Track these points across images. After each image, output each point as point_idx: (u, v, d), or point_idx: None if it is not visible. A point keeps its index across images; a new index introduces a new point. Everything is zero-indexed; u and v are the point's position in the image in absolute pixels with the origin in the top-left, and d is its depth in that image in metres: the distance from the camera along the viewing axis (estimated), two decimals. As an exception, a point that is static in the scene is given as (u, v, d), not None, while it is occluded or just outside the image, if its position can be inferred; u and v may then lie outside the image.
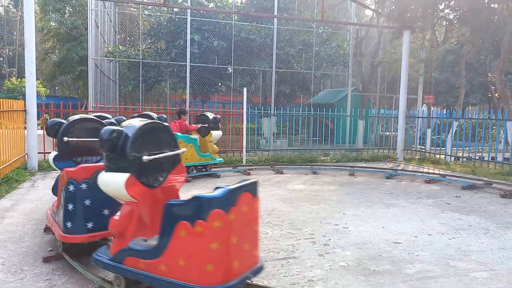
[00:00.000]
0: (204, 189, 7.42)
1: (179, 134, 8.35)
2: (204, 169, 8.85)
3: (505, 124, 10.25)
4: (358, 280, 3.54)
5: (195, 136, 8.74)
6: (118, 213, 2.93)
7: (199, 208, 2.56)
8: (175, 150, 3.21)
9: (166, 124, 3.27)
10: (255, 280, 3.41)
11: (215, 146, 9.18)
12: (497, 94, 12.91)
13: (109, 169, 2.93)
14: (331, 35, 16.81)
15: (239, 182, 2.82)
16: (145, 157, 2.86)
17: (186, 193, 6.78)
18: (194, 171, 8.53)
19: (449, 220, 5.62)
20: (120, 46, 16.29)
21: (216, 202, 2.55)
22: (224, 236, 2.55)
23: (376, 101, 19.88)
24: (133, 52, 15.59)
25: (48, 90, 31.84)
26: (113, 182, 2.85)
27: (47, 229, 4.60)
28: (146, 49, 16.44)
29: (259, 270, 2.94)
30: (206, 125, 8.90)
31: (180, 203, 2.70)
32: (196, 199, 2.58)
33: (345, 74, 17.53)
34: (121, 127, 2.95)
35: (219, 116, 9.20)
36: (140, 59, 14.58)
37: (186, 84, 13.54)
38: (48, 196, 6.44)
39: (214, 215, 2.51)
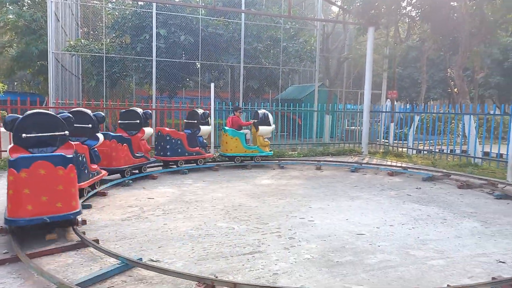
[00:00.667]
0: (171, 186, 7.32)
1: (226, 128, 9.78)
2: (234, 161, 9.76)
3: (463, 118, 10.72)
4: (322, 271, 3.61)
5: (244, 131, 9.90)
6: None
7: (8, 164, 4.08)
8: (57, 133, 4.56)
9: (52, 113, 4.66)
10: (220, 275, 3.41)
11: (265, 140, 10.00)
12: (456, 89, 13.45)
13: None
14: (298, 30, 16.93)
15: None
16: (23, 135, 4.33)
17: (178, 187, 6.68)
18: (183, 163, 8.96)
19: (409, 211, 5.82)
20: (82, 40, 15.72)
21: (10, 163, 4.03)
22: (16, 186, 4.00)
23: (342, 96, 20.26)
24: (96, 46, 15.09)
25: (6, 86, 30.31)
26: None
27: (2, 231, 4.39)
28: (110, 43, 15.95)
29: (58, 217, 4.16)
30: (255, 120, 9.96)
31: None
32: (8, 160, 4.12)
33: (313, 70, 17.73)
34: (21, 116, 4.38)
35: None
36: (103, 53, 14.13)
37: (152, 79, 13.26)
38: (5, 196, 6.16)
39: (10, 171, 4.01)
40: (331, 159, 11.18)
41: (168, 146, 8.70)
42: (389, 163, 10.63)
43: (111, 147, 7.13)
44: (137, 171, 7.96)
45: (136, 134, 8.01)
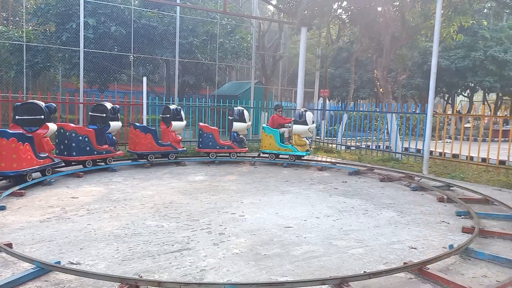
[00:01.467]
0: (98, 184, 6.98)
1: (264, 125, 10.47)
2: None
3: (386, 116, 11.50)
4: (249, 265, 3.68)
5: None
6: None
7: None
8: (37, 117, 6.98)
9: (38, 103, 6.94)
10: (146, 275, 3.33)
11: (302, 139, 10.15)
12: (381, 89, 14.38)
13: None
14: (235, 27, 16.98)
15: None
16: (17, 117, 6.72)
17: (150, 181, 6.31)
18: (153, 158, 9.26)
19: (335, 203, 6.13)
20: (0, 26, 14.36)
21: None
22: None
23: (278, 94, 20.72)
24: (16, 34, 13.87)
25: None
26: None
27: None
28: (32, 31, 14.75)
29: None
30: (293, 119, 10.33)
31: None
32: None
33: (249, 67, 17.90)
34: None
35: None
36: (23, 41, 13.03)
37: (80, 71, 12.49)
38: None
39: None
40: (265, 155, 11.37)
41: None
42: (319, 158, 11.10)
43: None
44: (40, 175, 6.93)
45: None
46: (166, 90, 17.26)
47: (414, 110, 11.04)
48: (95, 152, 8.18)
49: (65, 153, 7.88)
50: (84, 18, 12.31)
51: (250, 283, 3.13)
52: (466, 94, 29.02)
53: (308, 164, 9.91)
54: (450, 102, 26.46)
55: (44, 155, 6.92)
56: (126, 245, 4.05)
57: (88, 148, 8.02)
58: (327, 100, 17.20)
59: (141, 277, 3.19)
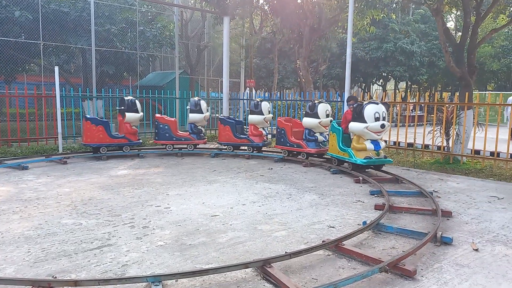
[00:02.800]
0: (5, 183, 6.36)
1: (334, 122, 8.29)
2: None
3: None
4: (174, 256, 3.64)
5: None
6: None
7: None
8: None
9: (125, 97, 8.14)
10: (61, 275, 3.14)
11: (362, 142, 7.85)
12: (303, 78, 14.94)
13: None
14: (156, 15, 16.40)
15: None
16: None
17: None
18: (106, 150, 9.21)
19: (261, 190, 6.29)
20: None
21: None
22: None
23: (204, 84, 20.53)
24: None
25: None
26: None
27: None
28: None
29: None
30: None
31: None
32: None
33: (173, 56, 17.44)
34: None
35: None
36: None
37: (-21, 60, 11.18)
38: None
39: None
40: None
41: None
42: (247, 148, 11.24)
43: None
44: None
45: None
46: (83, 81, 16.16)
47: (333, 99, 11.66)
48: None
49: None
50: (-19, 0, 11.00)
51: (174, 273, 3.10)
52: (380, 83, 31.37)
53: (235, 153, 10.00)
54: (367, 91, 28.37)
55: (119, 136, 9.32)
56: (38, 246, 3.77)
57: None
58: (253, 90, 17.44)
59: (55, 277, 3.00)
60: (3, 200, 5.35)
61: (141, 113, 9.85)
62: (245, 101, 14.52)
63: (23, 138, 10.13)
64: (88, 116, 9.22)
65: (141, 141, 10.02)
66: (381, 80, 30.32)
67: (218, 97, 17.09)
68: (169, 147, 9.94)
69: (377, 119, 7.14)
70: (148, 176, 7.23)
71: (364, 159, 7.27)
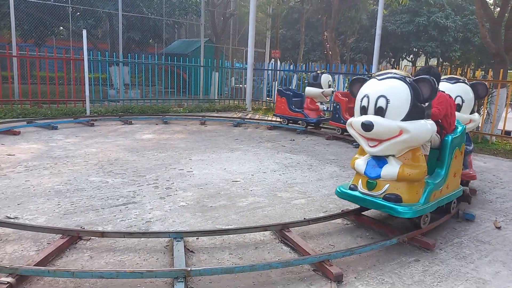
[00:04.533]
0: (37, 141, 6.62)
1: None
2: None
3: (333, 78, 11.76)
4: (195, 216, 3.75)
5: None
6: None
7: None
8: None
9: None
10: (89, 227, 3.29)
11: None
12: (330, 51, 14.60)
13: None
14: (183, -20, 16.18)
15: None
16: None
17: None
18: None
19: (282, 159, 6.32)
20: None
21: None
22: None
23: (229, 54, 20.36)
24: None
25: None
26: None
27: None
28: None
29: None
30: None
31: None
32: None
33: (199, 24, 17.30)
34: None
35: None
36: None
37: (10, 22, 11.39)
38: None
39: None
40: (216, 115, 11.33)
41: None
42: (270, 118, 11.23)
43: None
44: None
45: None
46: (110, 46, 16.30)
47: (359, 72, 11.38)
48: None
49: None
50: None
51: (195, 231, 3.21)
52: (410, 59, 30.34)
53: (258, 123, 10.01)
54: (395, 66, 27.54)
55: (297, 110, 9.16)
56: (68, 200, 3.95)
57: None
58: (278, 61, 17.20)
59: (83, 228, 3.15)
60: (34, 157, 5.59)
61: (327, 89, 8.88)
62: (270, 71, 14.36)
63: (53, 100, 10.42)
64: (281, 88, 9.64)
65: (320, 118, 9.15)
66: (411, 56, 29.32)
67: (242, 67, 16.97)
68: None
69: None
70: (172, 141, 7.35)
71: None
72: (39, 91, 9.91)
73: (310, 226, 3.57)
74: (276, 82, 14.90)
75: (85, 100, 9.74)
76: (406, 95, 3.14)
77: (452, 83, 4.78)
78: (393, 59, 28.92)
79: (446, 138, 3.66)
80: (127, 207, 3.88)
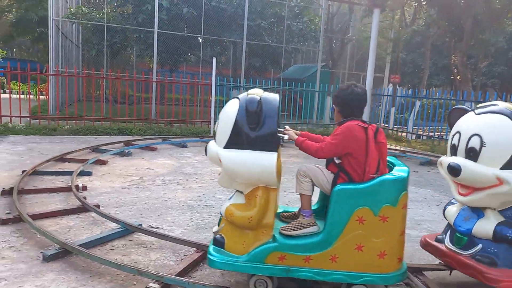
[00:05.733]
0: (170, 158, 7.36)
1: None
2: None
3: (464, 105, 10.72)
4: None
5: None
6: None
7: None
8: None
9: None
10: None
11: None
12: (458, 76, 13.39)
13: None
14: (303, 9, 16.69)
15: None
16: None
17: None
18: None
19: (405, 192, 5.89)
20: (83, 8, 15.44)
21: None
22: None
23: (344, 78, 20.17)
24: (97, 15, 14.84)
25: (5, 52, 29.91)
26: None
27: (4, 192, 4.44)
28: (111, 12, 15.69)
29: None
30: None
31: None
32: None
33: (316, 50, 17.57)
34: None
35: None
36: (104, 22, 13.91)
37: (153, 51, 13.11)
38: (4, 160, 6.19)
39: None
40: (329, 140, 11.20)
41: None
42: (388, 147, 10.68)
43: None
44: None
45: None
46: (232, 72, 17.55)
47: (489, 99, 10.16)
48: None
49: None
50: (158, 0, 12.83)
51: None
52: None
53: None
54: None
55: None
56: (199, 215, 4.26)
57: None
58: (397, 86, 16.42)
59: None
60: (169, 172, 6.20)
61: None
62: (388, 97, 13.76)
63: (182, 120, 11.55)
64: None
65: None
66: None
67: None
68: None
69: None
70: (288, 165, 7.46)
71: None
72: (173, 111, 11.06)
73: (446, 272, 3.21)
74: (394, 108, 14.20)
75: (210, 121, 10.57)
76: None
77: (476, 114, 2.79)
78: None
79: (334, 189, 2.55)
80: (251, 227, 4.01)
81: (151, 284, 2.66)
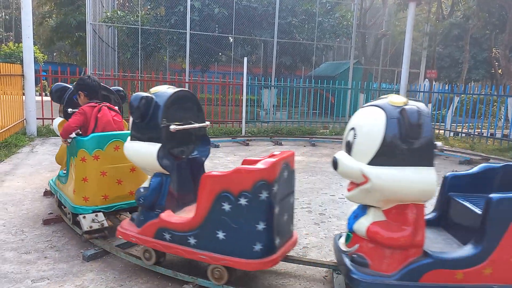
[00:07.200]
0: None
1: None
2: None
3: (506, 100, 10.20)
4: (352, 248, 3.62)
5: None
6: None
7: None
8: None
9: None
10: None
11: None
12: (500, 70, 12.75)
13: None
14: (334, 5, 16.43)
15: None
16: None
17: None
18: None
19: (444, 193, 5.67)
20: (118, 12, 15.92)
21: None
22: None
23: (378, 75, 19.69)
24: (131, 18, 15.26)
25: (46, 56, 31.40)
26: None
27: (47, 193, 4.65)
28: (145, 15, 16.09)
29: None
30: None
31: None
32: None
33: (348, 46, 17.27)
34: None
35: None
36: (139, 25, 14.28)
37: (185, 52, 13.33)
38: (48, 161, 6.48)
39: None
40: (363, 138, 10.98)
41: None
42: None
43: None
44: None
45: None
46: (262, 71, 17.56)
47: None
48: None
49: None
50: (190, 1, 13.02)
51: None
52: None
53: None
54: None
55: None
56: (231, 217, 4.27)
57: None
58: (433, 82, 15.85)
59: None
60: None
61: None
62: (424, 93, 13.31)
63: (214, 120, 11.68)
64: None
65: None
66: None
67: (392, 88, 16.16)
68: None
69: None
70: (321, 164, 7.38)
71: None
72: (205, 111, 11.19)
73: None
74: (430, 104, 13.72)
75: (241, 121, 10.62)
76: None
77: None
78: None
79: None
80: (284, 229, 3.99)
81: (186, 285, 2.71)
